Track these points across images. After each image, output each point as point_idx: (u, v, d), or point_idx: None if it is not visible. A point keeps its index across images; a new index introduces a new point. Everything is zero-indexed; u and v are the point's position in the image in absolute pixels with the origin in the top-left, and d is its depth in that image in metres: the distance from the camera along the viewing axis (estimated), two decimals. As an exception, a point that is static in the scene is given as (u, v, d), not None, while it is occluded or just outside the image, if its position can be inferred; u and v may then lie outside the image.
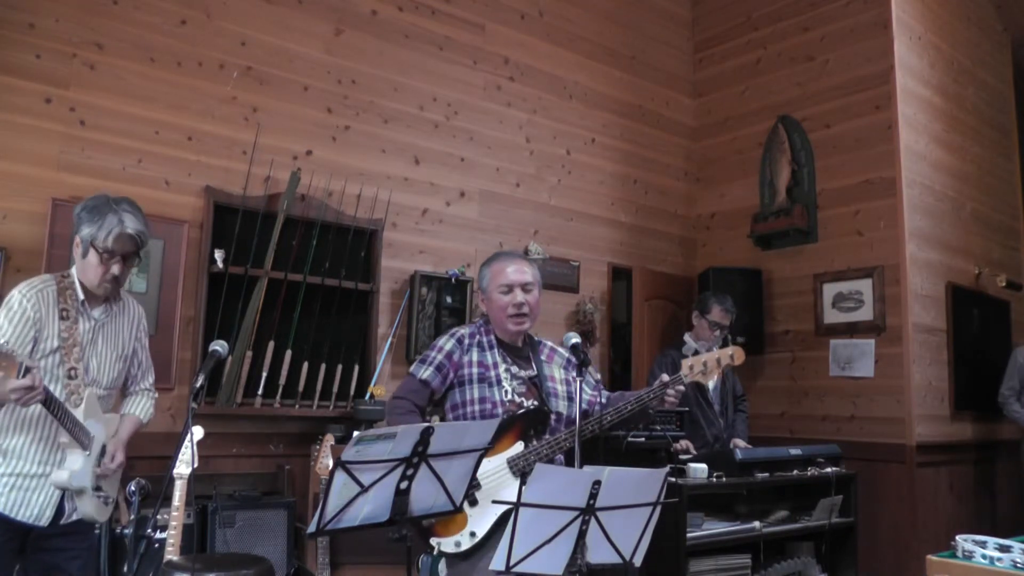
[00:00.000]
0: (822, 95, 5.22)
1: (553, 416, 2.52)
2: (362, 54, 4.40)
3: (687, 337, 4.48)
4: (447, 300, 4.47)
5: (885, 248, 4.77)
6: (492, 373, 2.52)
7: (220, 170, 3.87)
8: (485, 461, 2.36)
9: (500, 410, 2.47)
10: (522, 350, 2.63)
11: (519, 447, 2.42)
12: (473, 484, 2.33)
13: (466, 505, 2.31)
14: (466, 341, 2.57)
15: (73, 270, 2.42)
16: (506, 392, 2.50)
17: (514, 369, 2.56)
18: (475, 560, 2.29)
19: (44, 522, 2.32)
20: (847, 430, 4.80)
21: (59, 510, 2.35)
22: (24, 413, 2.28)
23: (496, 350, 2.57)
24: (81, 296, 2.40)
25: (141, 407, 2.67)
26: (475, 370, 2.53)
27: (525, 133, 5.08)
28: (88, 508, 2.37)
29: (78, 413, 2.32)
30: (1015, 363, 4.97)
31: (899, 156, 4.74)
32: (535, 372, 2.59)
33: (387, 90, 4.48)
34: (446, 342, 2.57)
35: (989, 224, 5.59)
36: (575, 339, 2.46)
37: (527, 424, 2.45)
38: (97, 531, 2.47)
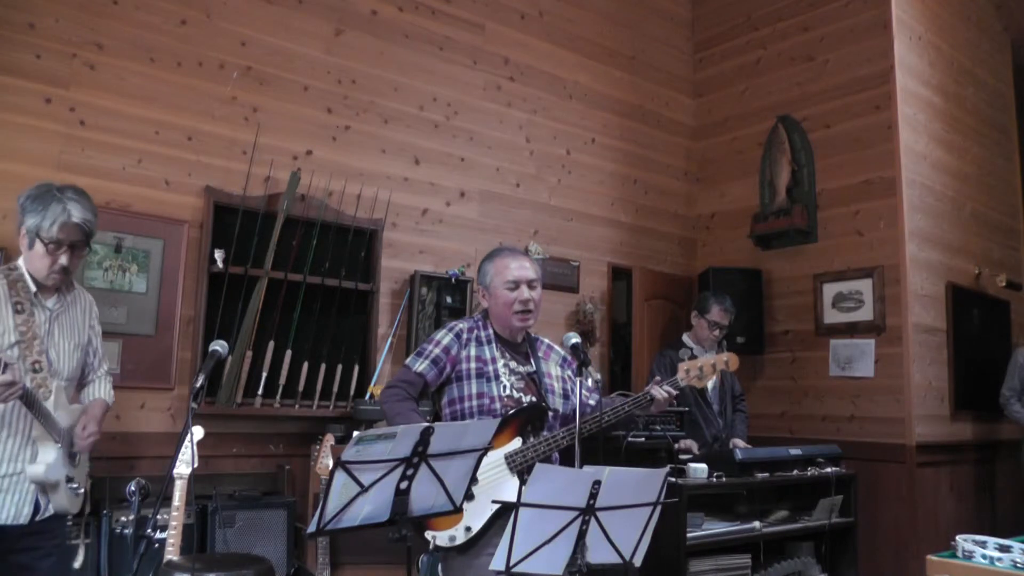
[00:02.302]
0: (822, 95, 5.22)
1: (550, 413, 2.52)
2: (362, 54, 4.40)
3: (686, 337, 4.48)
4: (447, 300, 4.47)
5: (885, 248, 4.77)
6: (490, 368, 2.50)
7: (220, 170, 3.87)
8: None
9: (498, 405, 2.46)
10: (521, 346, 2.62)
11: (517, 443, 2.42)
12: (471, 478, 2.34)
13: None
14: (464, 336, 2.54)
15: (20, 261, 2.38)
16: (504, 387, 2.49)
17: (512, 364, 2.55)
18: (470, 555, 2.29)
19: (24, 520, 2.28)
20: (847, 430, 4.80)
21: (35, 507, 2.32)
22: None
23: (495, 345, 2.55)
24: (33, 288, 2.36)
25: (103, 390, 2.65)
26: (473, 365, 2.50)
27: (525, 133, 5.08)
28: (62, 501, 2.37)
29: (49, 405, 2.31)
30: (1016, 364, 4.97)
31: (899, 156, 4.74)
32: (534, 368, 2.58)
33: (387, 90, 4.48)
34: (444, 336, 2.54)
35: (989, 224, 5.59)
36: (575, 339, 2.45)
37: (525, 420, 2.45)
38: (70, 523, 2.47)
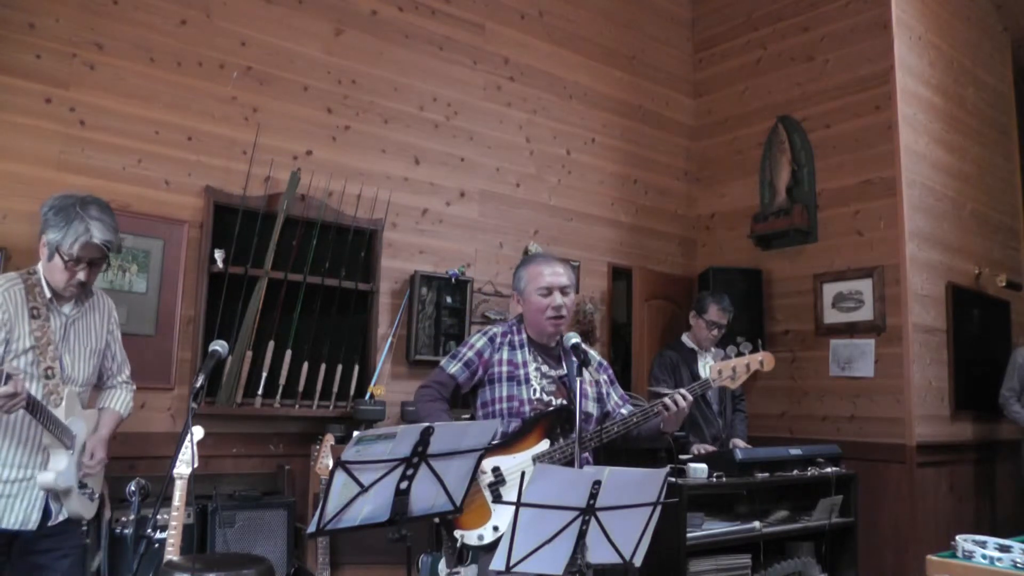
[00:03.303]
0: (822, 95, 5.22)
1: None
2: (362, 54, 4.40)
3: (685, 337, 4.48)
4: (447, 300, 4.47)
5: (885, 248, 4.77)
6: (521, 372, 2.58)
7: (220, 170, 3.87)
8: (511, 457, 2.42)
9: (527, 408, 2.53)
10: (553, 349, 2.68)
11: (544, 445, 2.46)
12: (499, 479, 2.38)
13: (490, 500, 2.36)
14: (498, 340, 2.64)
15: (39, 267, 2.38)
16: (534, 390, 2.56)
17: (544, 368, 2.62)
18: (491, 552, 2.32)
19: (32, 525, 2.28)
20: (847, 430, 4.80)
21: (46, 512, 2.31)
22: (3, 418, 2.24)
23: (527, 349, 2.63)
24: (48, 294, 2.36)
25: (120, 400, 2.66)
26: (504, 368, 2.59)
27: (525, 133, 5.08)
28: (75, 506, 2.36)
29: (59, 413, 2.30)
30: (1015, 364, 4.97)
31: (899, 156, 4.74)
32: (565, 371, 2.63)
33: (387, 90, 4.48)
34: (478, 340, 2.64)
35: (989, 224, 5.59)
36: (575, 339, 2.48)
37: (553, 422, 2.50)
38: (84, 528, 2.46)
